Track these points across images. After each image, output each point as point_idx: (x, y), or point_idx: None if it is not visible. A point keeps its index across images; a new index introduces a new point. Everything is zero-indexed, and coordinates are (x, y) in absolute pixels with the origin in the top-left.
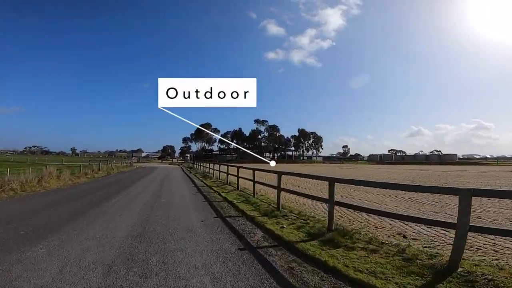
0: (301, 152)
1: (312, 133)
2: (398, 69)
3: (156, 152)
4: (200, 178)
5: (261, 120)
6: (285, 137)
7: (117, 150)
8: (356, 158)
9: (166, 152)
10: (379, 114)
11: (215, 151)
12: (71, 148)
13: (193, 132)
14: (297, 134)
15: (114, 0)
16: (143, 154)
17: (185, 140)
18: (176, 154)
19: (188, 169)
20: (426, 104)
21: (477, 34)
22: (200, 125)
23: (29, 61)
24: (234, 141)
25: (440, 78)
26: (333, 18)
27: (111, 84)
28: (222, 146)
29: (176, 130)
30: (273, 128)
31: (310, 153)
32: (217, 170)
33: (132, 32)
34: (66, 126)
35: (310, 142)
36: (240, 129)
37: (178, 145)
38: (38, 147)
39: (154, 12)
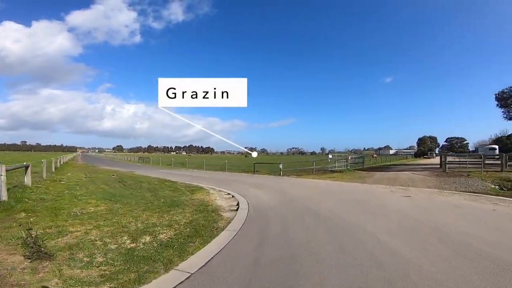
0: None
1: None
2: None
3: (407, 149)
4: None
5: None
6: None
7: (364, 148)
8: None
9: (425, 146)
10: None
11: None
12: (321, 148)
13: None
14: None
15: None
16: (391, 151)
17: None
18: (437, 150)
19: None
20: None
21: None
22: None
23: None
24: None
25: None
26: None
27: (353, 83)
28: None
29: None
30: None
31: None
32: None
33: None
34: (318, 130)
35: None
36: None
37: (443, 136)
38: (296, 148)
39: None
